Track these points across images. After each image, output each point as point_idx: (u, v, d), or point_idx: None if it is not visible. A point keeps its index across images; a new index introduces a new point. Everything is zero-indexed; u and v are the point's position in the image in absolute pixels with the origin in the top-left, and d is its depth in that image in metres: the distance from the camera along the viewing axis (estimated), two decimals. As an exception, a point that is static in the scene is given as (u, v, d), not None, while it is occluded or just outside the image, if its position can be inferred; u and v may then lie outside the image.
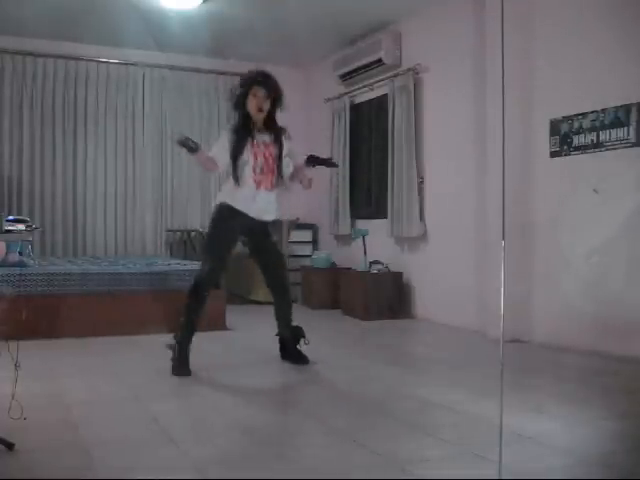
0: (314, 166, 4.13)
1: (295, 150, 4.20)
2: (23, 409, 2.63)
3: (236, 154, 3.93)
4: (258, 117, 3.98)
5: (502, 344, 2.41)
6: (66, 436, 2.72)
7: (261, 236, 4.11)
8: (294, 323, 4.23)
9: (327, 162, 4.22)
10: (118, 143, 7.43)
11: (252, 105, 3.96)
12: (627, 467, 2.45)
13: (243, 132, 3.97)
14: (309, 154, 4.18)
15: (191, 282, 4.04)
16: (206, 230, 4.34)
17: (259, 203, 3.98)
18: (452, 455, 2.56)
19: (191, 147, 3.79)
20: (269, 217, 4.08)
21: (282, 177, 4.07)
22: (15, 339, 2.61)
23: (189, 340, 3.96)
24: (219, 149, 4.01)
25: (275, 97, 4.00)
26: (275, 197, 4.07)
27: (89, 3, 5.96)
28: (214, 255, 4.05)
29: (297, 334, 4.20)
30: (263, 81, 3.97)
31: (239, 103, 4.00)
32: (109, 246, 7.36)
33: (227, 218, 4.00)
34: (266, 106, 3.97)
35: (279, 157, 4.03)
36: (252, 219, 3.99)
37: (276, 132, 4.06)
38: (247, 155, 3.94)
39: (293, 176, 4.13)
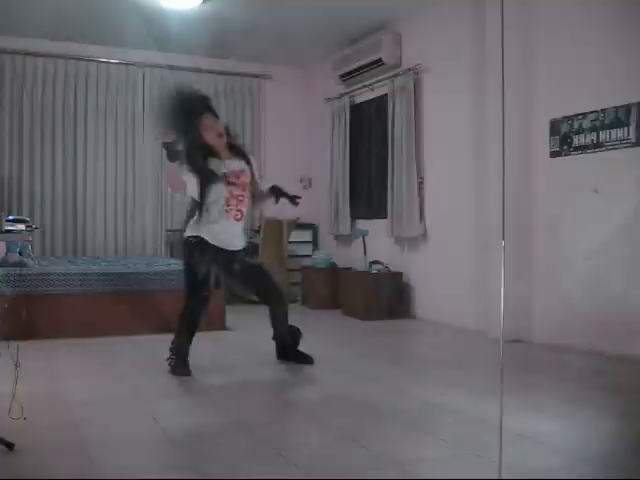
0: (276, 198, 4.00)
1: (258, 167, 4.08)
2: (23, 409, 2.63)
3: (209, 190, 3.75)
4: (219, 144, 3.83)
5: (502, 344, 2.42)
6: (66, 436, 2.72)
7: (234, 261, 3.96)
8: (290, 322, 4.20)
9: (290, 197, 4.02)
10: (118, 143, 7.43)
11: (209, 135, 3.78)
12: (627, 467, 2.45)
13: (209, 166, 3.78)
14: (273, 185, 4.05)
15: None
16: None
17: (230, 235, 3.89)
18: (452, 455, 2.57)
19: (173, 155, 3.56)
20: (240, 245, 3.98)
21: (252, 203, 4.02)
22: (15, 339, 2.62)
23: (189, 341, 3.96)
24: (191, 175, 3.76)
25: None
26: (242, 227, 3.99)
27: (89, 3, 5.97)
28: (196, 286, 3.93)
29: (295, 335, 4.18)
30: (207, 106, 3.83)
31: (190, 140, 3.71)
32: (109, 246, 7.36)
33: (199, 254, 3.84)
34: (221, 129, 3.82)
35: (250, 182, 3.94)
36: (224, 250, 3.88)
37: (243, 156, 3.94)
38: (220, 188, 3.79)
39: (260, 198, 4.10)
